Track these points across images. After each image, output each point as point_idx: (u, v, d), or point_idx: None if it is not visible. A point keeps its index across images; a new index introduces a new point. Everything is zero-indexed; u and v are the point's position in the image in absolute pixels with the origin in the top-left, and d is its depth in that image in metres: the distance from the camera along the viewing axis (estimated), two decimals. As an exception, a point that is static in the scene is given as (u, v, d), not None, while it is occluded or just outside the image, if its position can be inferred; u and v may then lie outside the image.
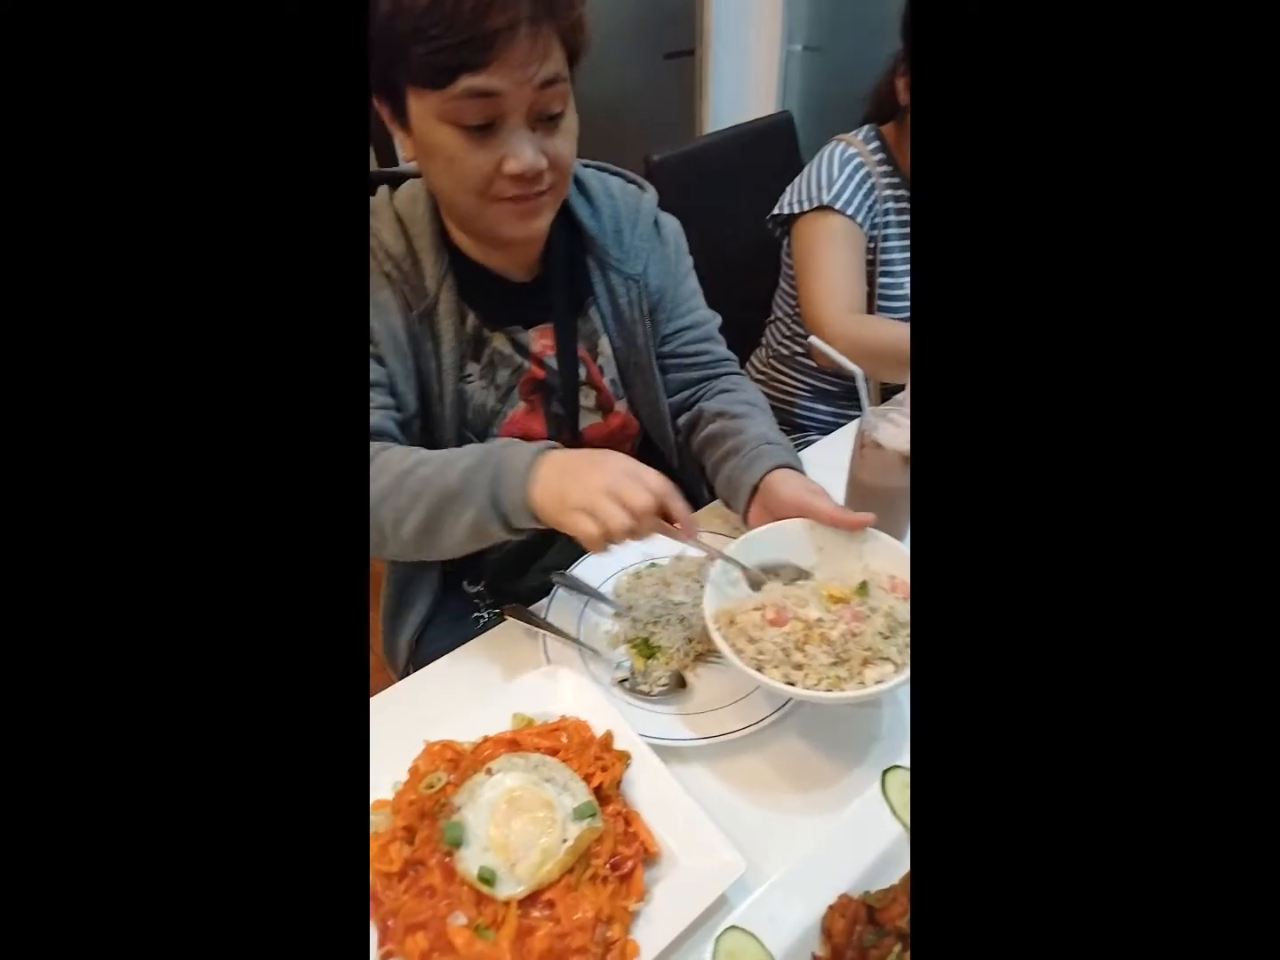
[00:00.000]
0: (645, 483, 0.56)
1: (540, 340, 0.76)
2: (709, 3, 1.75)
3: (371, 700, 0.66)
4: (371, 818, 0.51)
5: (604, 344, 0.80)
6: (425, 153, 0.62)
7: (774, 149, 1.32)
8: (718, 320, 0.87)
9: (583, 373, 0.79)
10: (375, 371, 0.70)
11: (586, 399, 0.80)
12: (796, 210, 1.07)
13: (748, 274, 1.24)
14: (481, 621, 0.85)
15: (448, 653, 0.69)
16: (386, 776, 0.54)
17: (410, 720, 0.61)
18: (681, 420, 0.85)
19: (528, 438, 0.77)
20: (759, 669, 0.54)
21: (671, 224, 0.82)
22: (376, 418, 0.69)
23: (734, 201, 1.19)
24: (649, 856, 0.48)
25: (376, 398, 0.70)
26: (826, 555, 0.64)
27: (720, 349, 0.86)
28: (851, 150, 1.06)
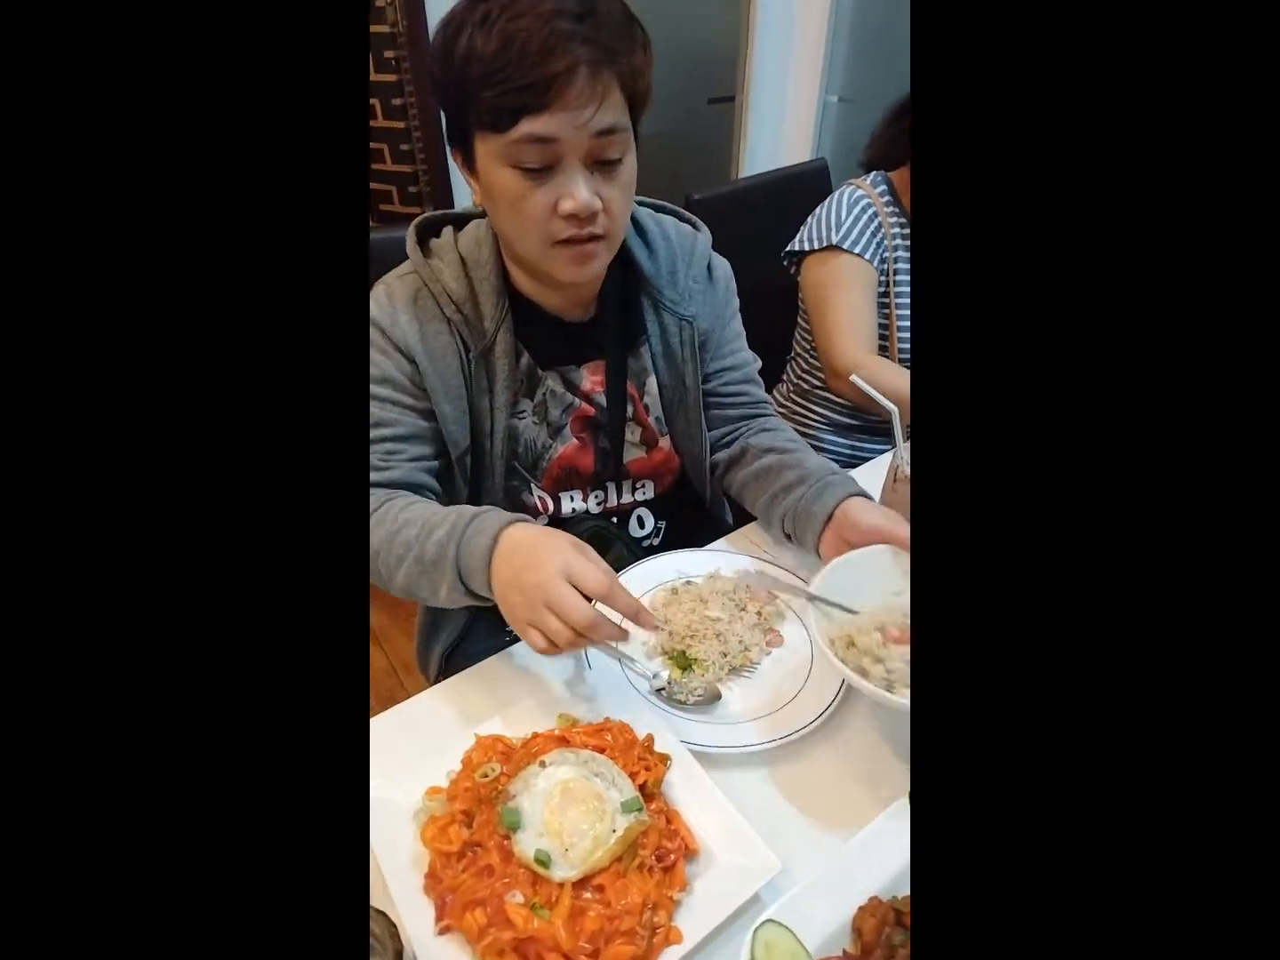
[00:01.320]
0: (585, 583, 0.54)
1: (591, 377, 0.80)
2: (752, 52, 1.84)
3: (419, 697, 0.70)
4: (427, 803, 0.54)
5: (651, 383, 0.83)
6: (489, 195, 0.65)
7: (809, 194, 1.38)
8: (758, 364, 0.90)
9: (629, 409, 0.82)
10: (413, 426, 0.73)
11: (632, 434, 0.83)
12: (806, 248, 1.13)
13: (779, 312, 1.29)
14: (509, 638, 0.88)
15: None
16: (440, 766, 0.57)
17: (458, 716, 0.64)
18: (720, 455, 0.87)
19: (576, 471, 0.81)
20: (889, 689, 0.54)
21: (723, 266, 0.85)
22: (403, 470, 0.71)
23: (769, 242, 1.24)
24: (689, 852, 0.51)
25: (410, 449, 0.73)
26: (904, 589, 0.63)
27: (758, 391, 0.89)
28: (860, 193, 1.13)
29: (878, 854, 0.51)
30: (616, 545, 0.85)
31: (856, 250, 1.09)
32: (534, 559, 0.57)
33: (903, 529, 0.64)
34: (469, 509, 0.65)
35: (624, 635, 0.58)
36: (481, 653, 0.73)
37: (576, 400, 0.79)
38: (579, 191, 0.61)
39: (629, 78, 0.61)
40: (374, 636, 1.83)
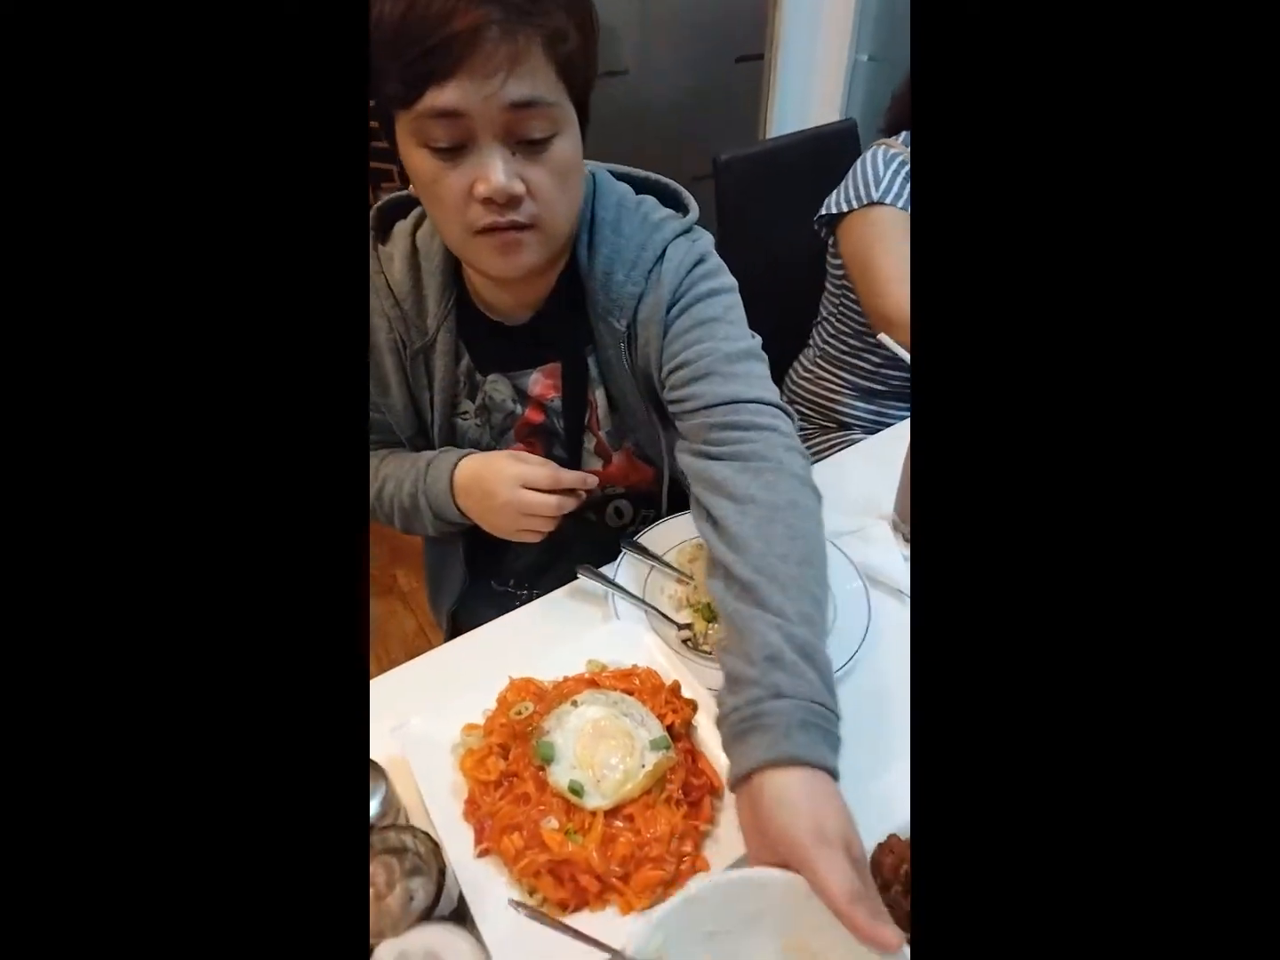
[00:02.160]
0: (537, 484, 0.67)
1: (545, 380, 0.74)
2: (780, 9, 1.79)
3: (452, 644, 0.73)
4: (465, 737, 0.57)
5: (600, 394, 0.75)
6: (411, 179, 0.59)
7: (839, 155, 1.36)
8: (725, 350, 0.65)
9: (587, 415, 0.76)
10: (370, 419, 0.78)
11: (588, 442, 0.78)
12: (845, 209, 1.11)
13: (806, 274, 1.28)
14: (521, 599, 0.87)
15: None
16: (475, 704, 0.60)
17: (490, 662, 0.66)
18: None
19: None
20: None
21: (676, 258, 0.67)
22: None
23: (799, 203, 1.23)
24: (715, 789, 0.53)
25: (374, 436, 0.80)
26: (820, 951, 0.41)
27: (714, 388, 0.64)
28: (894, 151, 1.11)
29: (896, 796, 0.53)
30: (590, 534, 0.82)
31: (899, 205, 1.08)
32: (489, 487, 0.69)
33: (833, 866, 0.39)
34: (424, 457, 0.75)
35: (581, 496, 0.71)
36: (483, 612, 0.76)
37: (520, 409, 0.76)
38: (493, 173, 0.54)
39: (554, 41, 0.52)
40: (405, 599, 1.89)
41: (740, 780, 0.46)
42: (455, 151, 0.54)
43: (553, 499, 0.68)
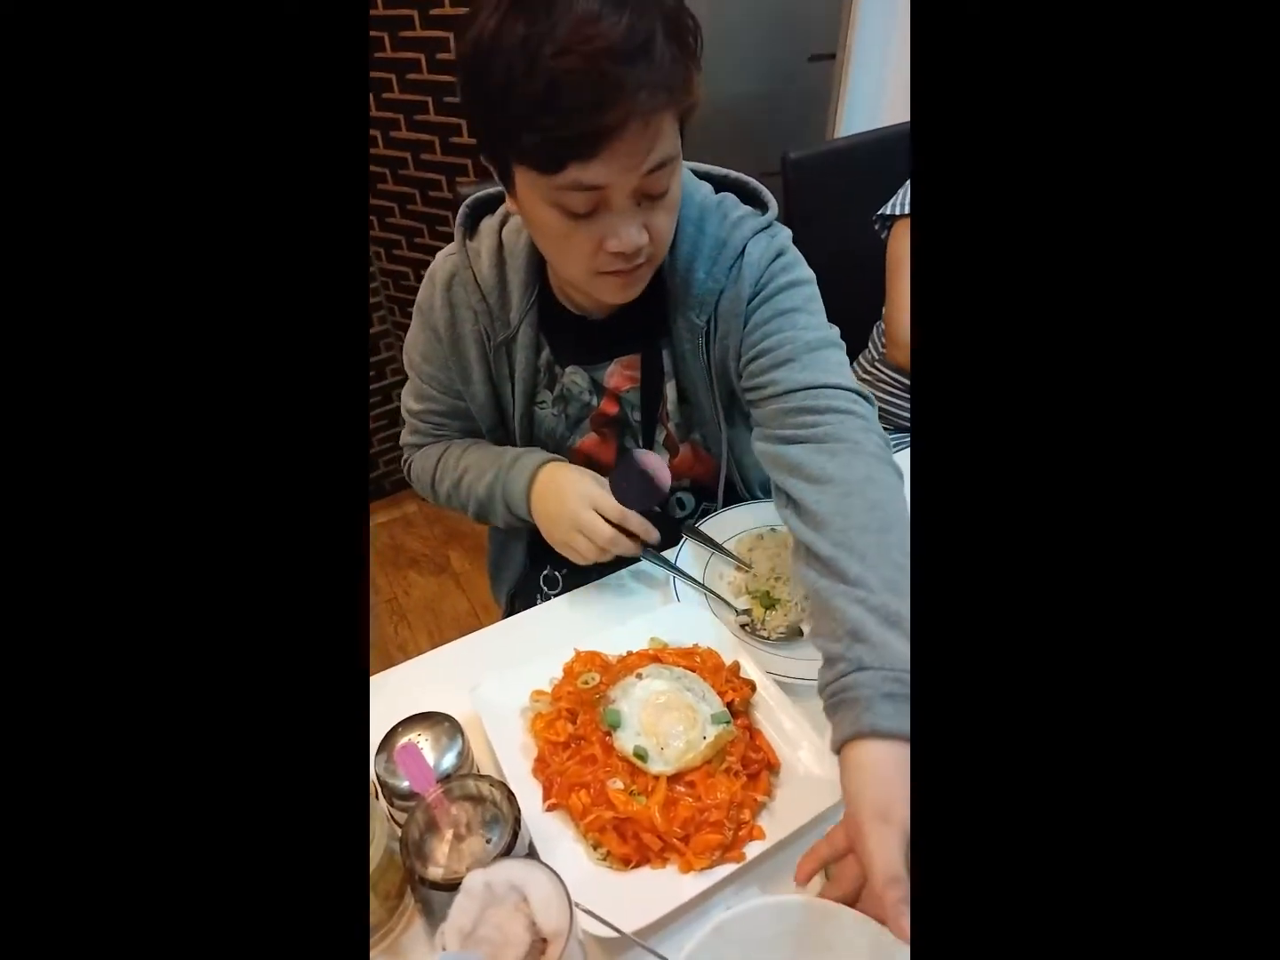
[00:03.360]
0: (604, 511, 0.69)
1: (623, 372, 0.78)
2: (855, 9, 1.78)
3: (520, 616, 0.76)
4: (534, 702, 0.60)
5: (670, 387, 0.79)
6: (529, 224, 0.63)
7: (909, 155, 1.35)
8: (804, 338, 0.67)
9: (659, 408, 0.80)
10: (451, 405, 0.82)
11: (659, 435, 0.82)
12: (897, 212, 1.10)
13: (874, 276, 1.28)
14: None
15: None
16: (542, 673, 0.63)
17: (555, 636, 0.69)
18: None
19: (599, 464, 0.82)
20: None
21: (756, 253, 0.70)
22: (455, 437, 0.87)
23: (867, 203, 1.23)
24: (772, 765, 0.56)
25: (455, 423, 0.85)
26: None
27: (793, 375, 0.66)
28: None
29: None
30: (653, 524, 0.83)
31: None
32: (563, 493, 0.72)
33: (875, 836, 0.40)
34: (510, 453, 0.78)
35: (636, 548, 0.72)
36: (541, 598, 0.79)
37: (595, 400, 0.79)
38: (627, 233, 0.58)
39: (687, 111, 0.56)
40: (457, 580, 1.95)
41: (838, 753, 0.47)
42: (588, 214, 0.57)
43: (608, 531, 0.69)
